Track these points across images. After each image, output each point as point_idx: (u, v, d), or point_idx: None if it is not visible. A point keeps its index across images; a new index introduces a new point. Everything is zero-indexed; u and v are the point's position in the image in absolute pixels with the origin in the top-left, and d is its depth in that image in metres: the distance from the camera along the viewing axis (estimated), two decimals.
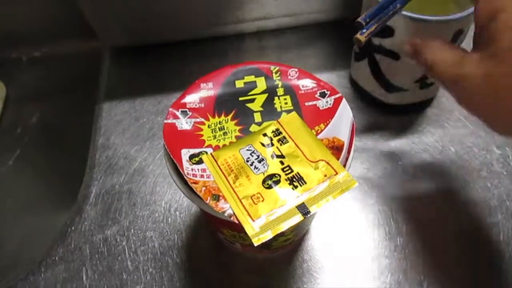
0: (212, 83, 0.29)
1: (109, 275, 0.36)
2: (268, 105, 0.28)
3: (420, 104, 0.44)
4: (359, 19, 0.31)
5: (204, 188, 0.24)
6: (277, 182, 0.24)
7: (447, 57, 0.28)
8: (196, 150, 0.25)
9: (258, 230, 0.22)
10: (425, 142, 0.42)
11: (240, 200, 0.23)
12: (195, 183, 0.24)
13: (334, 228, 0.37)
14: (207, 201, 0.23)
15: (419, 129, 0.43)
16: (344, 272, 0.35)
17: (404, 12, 0.34)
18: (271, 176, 0.24)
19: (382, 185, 0.39)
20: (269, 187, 0.23)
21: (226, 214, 0.23)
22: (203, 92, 0.28)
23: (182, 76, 0.48)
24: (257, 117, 0.27)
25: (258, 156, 0.25)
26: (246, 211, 0.23)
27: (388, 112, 0.44)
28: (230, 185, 0.24)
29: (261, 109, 0.28)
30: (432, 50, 0.29)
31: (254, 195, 0.23)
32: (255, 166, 0.24)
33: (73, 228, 0.38)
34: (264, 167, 0.24)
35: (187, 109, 0.27)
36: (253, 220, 0.22)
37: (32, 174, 0.52)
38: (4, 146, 0.52)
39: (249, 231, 0.22)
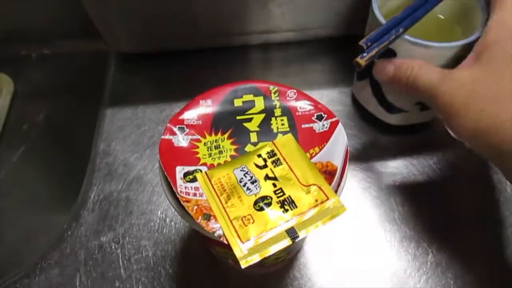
0: (211, 100, 0.29)
1: (102, 282, 0.36)
2: (265, 125, 0.28)
3: (421, 126, 0.44)
4: (361, 43, 0.32)
5: (196, 207, 0.24)
6: (269, 205, 0.24)
7: (432, 69, 0.32)
8: (191, 168, 0.26)
9: (246, 252, 0.22)
10: (423, 164, 0.42)
11: (231, 221, 0.23)
12: (188, 201, 0.24)
13: (328, 246, 0.37)
14: (198, 220, 0.23)
15: (418, 151, 0.43)
16: None
17: (406, 36, 0.34)
18: (263, 198, 0.24)
19: (377, 205, 0.39)
20: (260, 209, 0.24)
21: (216, 235, 0.23)
22: (201, 109, 0.29)
23: (186, 86, 0.48)
24: (253, 137, 0.27)
25: (252, 177, 0.25)
26: (236, 232, 0.23)
27: (389, 132, 0.44)
28: (222, 205, 0.24)
29: (257, 129, 0.28)
30: (416, 64, 0.33)
31: (245, 216, 0.23)
32: (247, 187, 0.25)
33: (69, 233, 0.39)
34: (256, 188, 0.25)
35: (184, 126, 0.28)
36: (242, 242, 0.22)
37: (34, 172, 0.52)
38: (10, 142, 0.53)
39: (238, 253, 0.22)
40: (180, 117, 0.28)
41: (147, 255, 0.37)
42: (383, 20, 0.35)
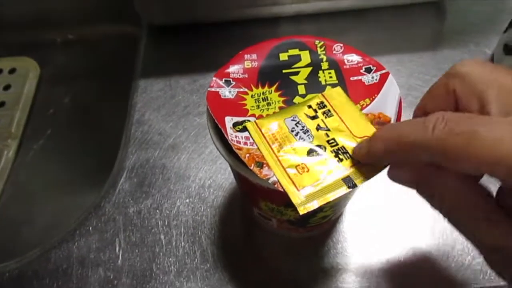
0: (256, 54, 0.29)
1: (141, 246, 0.36)
2: (313, 78, 0.27)
3: None
4: None
5: (248, 155, 0.23)
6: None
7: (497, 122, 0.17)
8: (240, 118, 0.25)
9: (304, 199, 0.22)
10: None
11: (285, 169, 0.23)
12: (239, 149, 0.24)
13: (372, 210, 0.37)
14: (251, 167, 0.23)
15: None
16: (379, 255, 0.34)
17: None
18: (316, 148, 0.24)
19: None
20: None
21: (270, 181, 0.22)
22: (246, 63, 0.28)
23: (218, 57, 0.47)
24: (301, 90, 0.27)
25: (303, 127, 0.24)
26: (291, 180, 0.22)
27: None
28: (275, 154, 0.23)
29: (305, 81, 0.27)
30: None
31: (299, 165, 0.23)
32: (300, 137, 0.24)
33: (107, 199, 0.39)
34: (309, 138, 0.24)
35: (230, 79, 0.27)
36: (298, 190, 0.22)
37: (64, 153, 0.53)
38: (36, 125, 0.53)
39: (295, 199, 0.21)
40: (226, 71, 0.28)
41: (186, 220, 0.37)
42: None
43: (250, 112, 0.26)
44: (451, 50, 0.47)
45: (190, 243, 0.36)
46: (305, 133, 0.24)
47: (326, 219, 0.31)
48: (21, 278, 0.35)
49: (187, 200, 0.38)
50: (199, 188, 0.38)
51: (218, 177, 0.39)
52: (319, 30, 0.51)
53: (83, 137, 0.54)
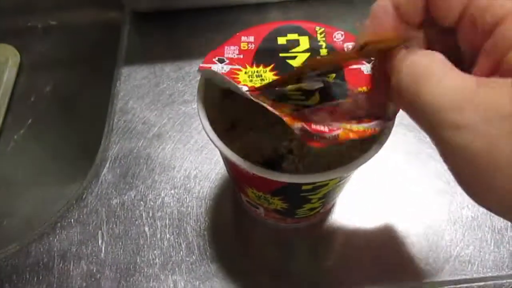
0: (253, 37, 0.28)
1: (125, 239, 0.35)
2: None
3: None
4: None
5: None
6: None
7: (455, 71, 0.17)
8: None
9: None
10: None
11: None
12: None
13: (362, 202, 0.36)
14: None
15: None
16: (367, 246, 0.34)
17: None
18: None
19: (410, 160, 0.38)
20: None
21: None
22: (243, 45, 0.27)
23: (204, 44, 0.46)
24: None
25: None
26: None
27: None
28: None
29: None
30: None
31: None
32: None
33: (89, 190, 0.37)
34: None
35: (224, 57, 0.26)
36: None
37: (45, 143, 0.51)
38: (17, 114, 0.52)
39: None
40: (221, 50, 0.27)
41: (171, 212, 0.36)
42: None
43: (242, 83, 0.25)
44: None
45: (175, 235, 0.35)
46: None
47: (314, 211, 0.30)
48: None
49: (172, 191, 0.37)
50: (184, 179, 0.37)
51: (204, 167, 0.38)
52: (306, 17, 0.50)
53: (65, 127, 0.52)
